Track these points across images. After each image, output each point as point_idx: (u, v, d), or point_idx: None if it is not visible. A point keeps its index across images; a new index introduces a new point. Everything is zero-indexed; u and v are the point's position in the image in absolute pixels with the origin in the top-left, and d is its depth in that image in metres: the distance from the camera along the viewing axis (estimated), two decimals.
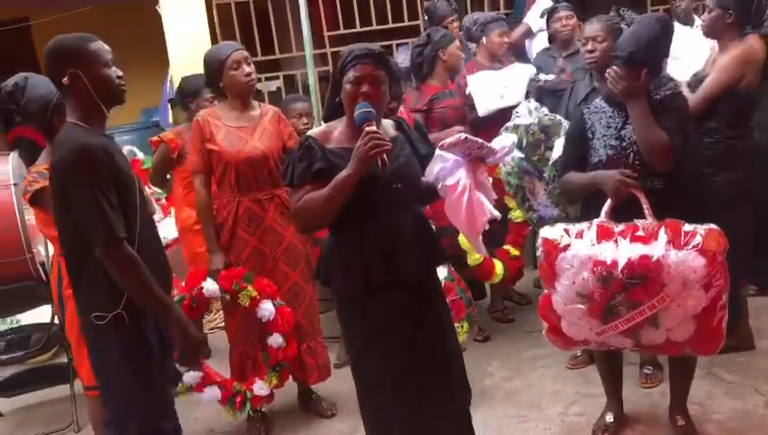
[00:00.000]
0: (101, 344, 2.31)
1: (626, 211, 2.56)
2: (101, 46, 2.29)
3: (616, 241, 2.45)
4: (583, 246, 2.48)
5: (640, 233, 2.45)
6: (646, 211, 2.53)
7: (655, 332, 2.48)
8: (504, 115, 4.02)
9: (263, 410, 3.41)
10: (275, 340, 3.19)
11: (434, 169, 2.28)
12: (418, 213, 2.43)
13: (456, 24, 4.72)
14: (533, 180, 3.43)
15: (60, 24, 5.72)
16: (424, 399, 2.33)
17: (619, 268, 2.41)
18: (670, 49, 2.77)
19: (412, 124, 2.60)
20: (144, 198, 2.38)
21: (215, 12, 5.49)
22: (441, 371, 2.38)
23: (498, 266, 3.93)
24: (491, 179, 2.55)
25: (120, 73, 2.32)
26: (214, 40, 5.27)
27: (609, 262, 2.42)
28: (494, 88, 4.06)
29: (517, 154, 3.34)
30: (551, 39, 4.56)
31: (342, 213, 2.23)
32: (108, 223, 2.14)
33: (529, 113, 3.44)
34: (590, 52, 3.15)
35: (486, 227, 2.37)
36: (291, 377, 3.41)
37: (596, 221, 2.55)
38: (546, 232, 2.60)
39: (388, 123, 2.43)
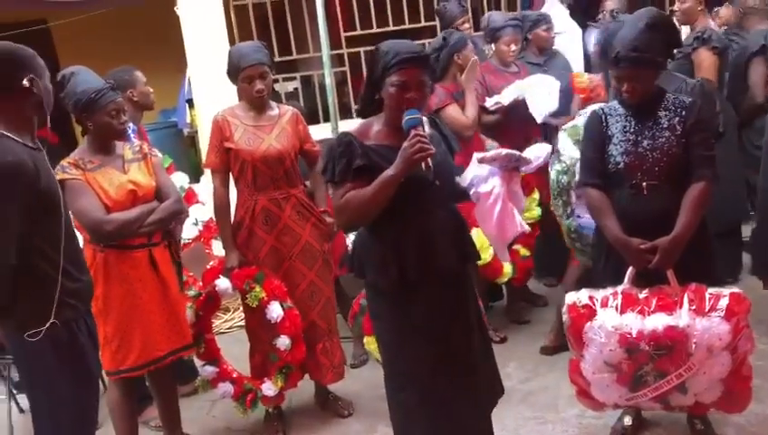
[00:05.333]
0: (35, 357, 2.26)
1: (649, 274, 2.56)
2: (41, 60, 2.27)
3: (641, 311, 2.46)
4: (609, 317, 2.49)
5: (665, 300, 2.47)
6: (669, 276, 2.53)
7: (683, 397, 2.52)
8: (523, 117, 4.04)
9: (281, 408, 3.44)
10: (282, 342, 3.20)
11: (468, 176, 2.29)
12: (454, 210, 2.43)
13: (467, 24, 4.72)
14: None
15: (79, 25, 5.78)
16: (452, 395, 2.35)
17: (645, 340, 2.43)
18: (677, 39, 2.74)
19: None
20: (68, 213, 2.33)
21: (232, 13, 5.52)
22: (470, 368, 2.39)
23: (506, 266, 3.92)
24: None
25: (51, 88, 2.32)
26: (231, 41, 5.30)
27: (634, 334, 2.44)
28: (543, 93, 4.05)
29: (576, 154, 3.27)
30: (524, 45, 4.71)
31: (381, 210, 2.24)
32: None
33: None
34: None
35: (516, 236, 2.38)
36: (308, 375, 3.43)
37: (620, 288, 2.55)
38: (571, 298, 2.60)
39: (424, 121, 2.41)
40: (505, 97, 4.08)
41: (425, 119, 2.43)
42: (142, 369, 2.95)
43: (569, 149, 3.20)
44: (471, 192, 2.34)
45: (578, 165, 3.21)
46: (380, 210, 2.24)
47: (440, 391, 2.34)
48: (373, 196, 2.21)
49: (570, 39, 5.01)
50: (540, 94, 4.04)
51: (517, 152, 2.33)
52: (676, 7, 4.30)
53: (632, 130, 2.68)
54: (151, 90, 3.74)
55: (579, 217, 3.25)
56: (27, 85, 2.17)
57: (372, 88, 2.34)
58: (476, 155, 2.35)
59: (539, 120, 4.04)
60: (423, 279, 2.29)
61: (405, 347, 2.37)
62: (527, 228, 2.38)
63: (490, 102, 4.09)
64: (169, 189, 3.01)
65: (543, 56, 4.63)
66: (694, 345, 2.39)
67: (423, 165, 2.15)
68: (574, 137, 3.20)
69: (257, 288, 3.15)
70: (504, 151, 2.29)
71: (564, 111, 4.16)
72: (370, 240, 2.38)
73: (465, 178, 2.31)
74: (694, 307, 2.42)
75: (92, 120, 2.82)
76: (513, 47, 4.28)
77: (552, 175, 3.38)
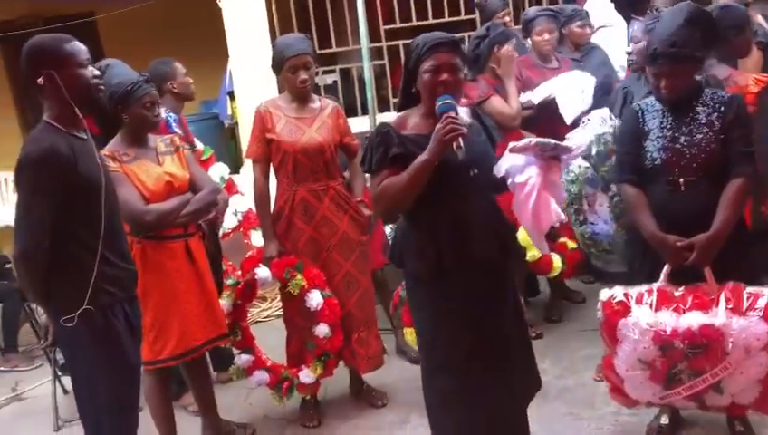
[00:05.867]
0: (73, 341, 2.35)
1: (686, 271, 2.52)
2: (78, 47, 2.30)
3: (676, 308, 2.43)
4: (643, 314, 2.46)
5: (701, 298, 2.43)
6: (707, 274, 2.49)
7: (719, 397, 2.48)
8: (554, 114, 3.98)
9: (317, 397, 3.49)
10: (322, 330, 3.25)
11: (502, 166, 2.28)
12: (493, 201, 2.44)
13: (507, 18, 4.67)
14: (596, 192, 3.35)
15: (124, 18, 5.90)
16: (487, 382, 2.36)
17: (680, 338, 2.39)
18: (715, 34, 2.68)
19: None
20: (111, 201, 2.39)
21: (273, 6, 5.56)
22: (505, 356, 2.40)
23: (556, 260, 3.92)
24: None
25: (97, 73, 2.34)
26: (272, 34, 5.35)
27: (669, 332, 2.41)
28: (575, 93, 3.98)
29: (584, 163, 3.24)
30: (561, 40, 4.59)
31: (419, 198, 2.28)
32: (28, 234, 2.21)
33: (602, 122, 3.33)
34: (628, 54, 3.34)
35: (547, 230, 2.38)
36: (343, 363, 3.47)
37: (655, 286, 2.52)
38: (606, 295, 2.57)
39: (463, 111, 2.47)
40: (536, 96, 4.02)
41: (466, 109, 2.45)
42: (179, 359, 3.00)
43: (576, 160, 3.16)
44: (508, 182, 2.33)
45: (588, 173, 3.18)
46: (415, 196, 2.27)
47: (475, 378, 2.35)
48: (409, 181, 2.24)
49: (614, 32, 4.92)
50: (571, 94, 3.95)
51: (553, 141, 2.29)
52: (720, 1, 4.20)
53: (669, 125, 2.64)
54: (191, 80, 3.78)
55: (593, 223, 3.21)
56: (42, 83, 2.23)
57: (408, 81, 2.39)
58: (510, 144, 2.33)
59: (568, 122, 3.92)
60: (459, 264, 2.31)
61: (441, 333, 2.39)
62: (564, 217, 2.36)
63: (522, 99, 4.03)
64: (204, 181, 3.05)
65: (580, 51, 4.55)
66: (730, 345, 2.35)
67: (454, 145, 2.18)
68: None
69: (298, 276, 3.20)
70: (535, 140, 2.25)
71: (600, 106, 4.08)
72: (409, 229, 2.42)
73: (500, 169, 2.30)
74: (731, 306, 2.38)
75: (128, 112, 2.87)
76: (546, 36, 4.17)
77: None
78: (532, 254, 3.75)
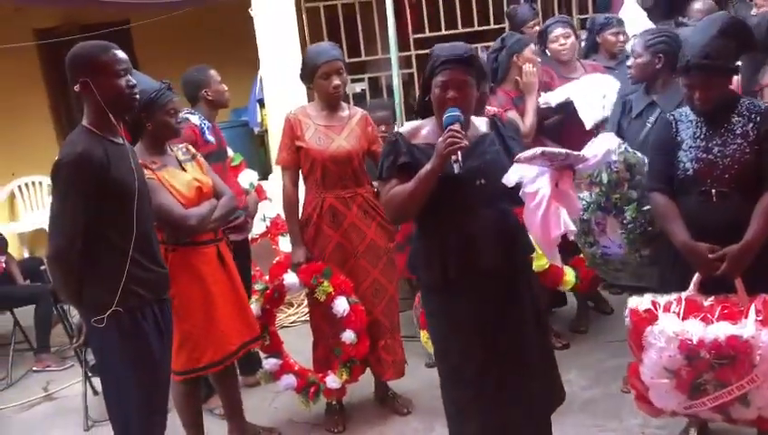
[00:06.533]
0: (102, 342, 2.40)
1: (716, 282, 2.49)
2: (116, 56, 2.34)
3: (704, 318, 2.40)
4: (670, 322, 2.44)
5: (730, 309, 2.40)
6: (737, 285, 2.46)
7: (745, 410, 2.44)
8: (578, 123, 3.94)
9: (342, 402, 3.51)
10: (348, 336, 3.27)
11: (511, 177, 2.27)
12: (504, 210, 2.44)
13: (537, 28, 4.67)
14: (607, 217, 3.31)
15: (157, 26, 6.00)
16: (503, 391, 2.37)
17: (706, 348, 2.36)
18: (752, 43, 2.66)
19: None
20: (145, 206, 2.43)
21: (304, 15, 5.63)
22: (521, 366, 2.40)
23: (569, 274, 3.86)
24: None
25: (133, 83, 2.37)
26: (303, 42, 5.41)
27: (695, 341, 2.38)
28: (595, 97, 3.94)
29: (594, 190, 3.21)
30: (596, 48, 4.59)
31: (427, 207, 2.32)
32: (61, 235, 2.26)
33: (616, 145, 3.28)
34: (628, 67, 3.29)
35: (558, 241, 2.37)
36: (369, 370, 3.48)
37: (684, 295, 2.50)
38: (634, 302, 2.56)
39: (481, 121, 2.49)
40: (554, 98, 3.96)
41: (484, 120, 2.46)
42: (218, 365, 3.02)
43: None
44: (520, 193, 2.33)
45: (600, 200, 3.13)
46: (421, 204, 2.32)
47: (490, 387, 2.36)
48: (413, 190, 2.30)
49: None
50: (591, 97, 3.87)
51: (564, 150, 2.27)
52: (754, 11, 4.15)
53: (703, 136, 2.62)
54: (226, 88, 3.83)
55: (605, 247, 3.16)
56: (78, 90, 2.30)
57: (423, 91, 2.44)
58: (517, 155, 2.32)
59: (588, 127, 3.86)
60: (467, 273, 2.34)
61: (454, 342, 2.42)
62: (573, 228, 2.34)
63: (540, 100, 3.97)
64: (223, 187, 3.09)
65: (615, 60, 4.52)
66: (758, 357, 2.32)
67: (452, 158, 2.21)
68: (586, 178, 3.10)
69: (325, 283, 3.23)
70: (541, 150, 2.24)
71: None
72: (420, 238, 2.47)
73: (509, 180, 2.29)
74: (761, 318, 2.34)
75: (152, 120, 2.87)
76: (562, 40, 4.13)
77: None
78: (540, 264, 3.70)
